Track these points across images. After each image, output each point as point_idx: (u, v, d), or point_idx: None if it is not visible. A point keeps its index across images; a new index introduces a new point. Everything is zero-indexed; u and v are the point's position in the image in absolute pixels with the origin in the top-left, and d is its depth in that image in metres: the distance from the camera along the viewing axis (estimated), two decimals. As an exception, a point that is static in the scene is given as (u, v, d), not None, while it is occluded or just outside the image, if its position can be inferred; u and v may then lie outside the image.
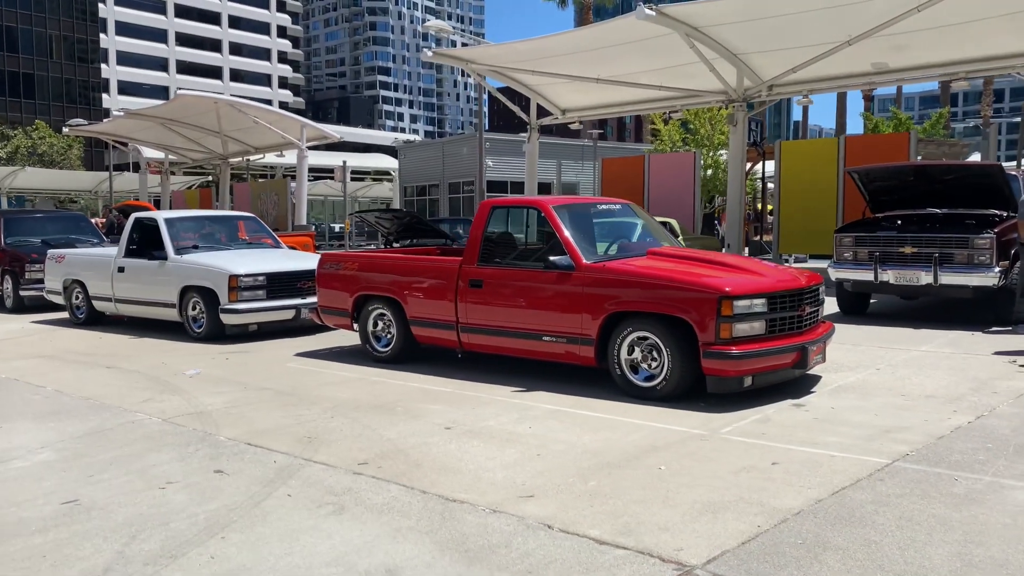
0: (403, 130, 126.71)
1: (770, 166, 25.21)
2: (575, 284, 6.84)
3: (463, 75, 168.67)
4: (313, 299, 10.47)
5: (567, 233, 7.06)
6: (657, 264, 6.85)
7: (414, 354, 8.31)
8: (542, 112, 22.60)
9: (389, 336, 8.39)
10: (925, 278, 9.89)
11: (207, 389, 7.32)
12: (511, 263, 7.44)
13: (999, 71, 16.61)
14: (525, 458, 5.03)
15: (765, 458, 4.91)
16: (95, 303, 11.84)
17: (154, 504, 4.38)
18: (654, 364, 6.45)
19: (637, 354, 6.53)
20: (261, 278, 10.20)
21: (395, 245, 16.68)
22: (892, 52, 16.73)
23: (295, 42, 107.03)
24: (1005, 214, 10.21)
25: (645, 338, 6.48)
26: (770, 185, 22.56)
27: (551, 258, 6.94)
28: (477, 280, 7.50)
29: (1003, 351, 8.21)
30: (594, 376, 7.20)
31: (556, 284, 6.96)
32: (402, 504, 4.28)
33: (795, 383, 6.77)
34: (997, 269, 9.60)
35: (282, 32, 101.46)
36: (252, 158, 30.14)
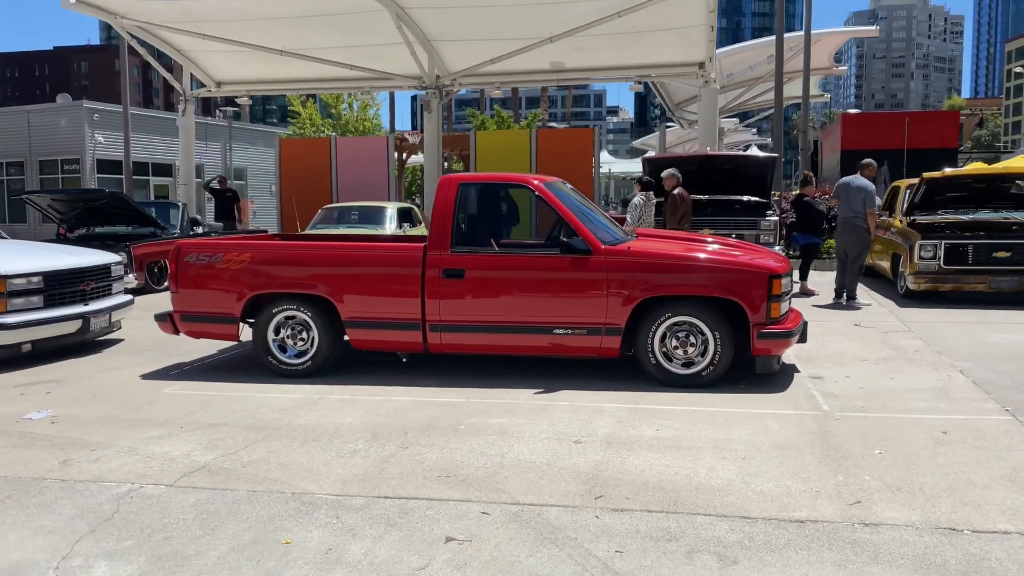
0: None
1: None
2: (595, 270, 6.22)
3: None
4: (100, 304, 8.04)
5: (573, 214, 6.39)
6: (673, 246, 6.56)
7: (335, 364, 6.82)
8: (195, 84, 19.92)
9: (302, 344, 6.74)
10: (725, 257, 10.99)
11: (133, 435, 5.13)
12: (502, 249, 6.48)
13: (663, 76, 19.06)
14: (740, 463, 4.47)
15: (927, 429, 5.05)
16: None
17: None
18: (691, 350, 6.19)
19: (670, 341, 6.21)
20: (36, 279, 7.42)
21: (71, 236, 13.38)
22: (573, 53, 18.14)
23: None
24: (767, 201, 11.81)
25: (680, 323, 6.19)
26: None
27: (567, 241, 6.22)
28: (455, 270, 6.39)
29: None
30: (579, 368, 6.66)
31: (570, 271, 6.26)
32: (769, 539, 3.53)
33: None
34: (777, 248, 11.06)
35: None
36: None
